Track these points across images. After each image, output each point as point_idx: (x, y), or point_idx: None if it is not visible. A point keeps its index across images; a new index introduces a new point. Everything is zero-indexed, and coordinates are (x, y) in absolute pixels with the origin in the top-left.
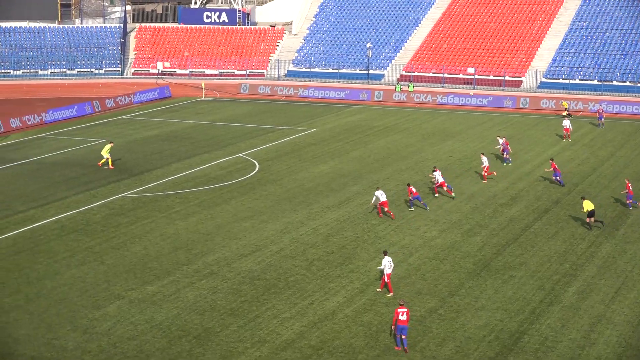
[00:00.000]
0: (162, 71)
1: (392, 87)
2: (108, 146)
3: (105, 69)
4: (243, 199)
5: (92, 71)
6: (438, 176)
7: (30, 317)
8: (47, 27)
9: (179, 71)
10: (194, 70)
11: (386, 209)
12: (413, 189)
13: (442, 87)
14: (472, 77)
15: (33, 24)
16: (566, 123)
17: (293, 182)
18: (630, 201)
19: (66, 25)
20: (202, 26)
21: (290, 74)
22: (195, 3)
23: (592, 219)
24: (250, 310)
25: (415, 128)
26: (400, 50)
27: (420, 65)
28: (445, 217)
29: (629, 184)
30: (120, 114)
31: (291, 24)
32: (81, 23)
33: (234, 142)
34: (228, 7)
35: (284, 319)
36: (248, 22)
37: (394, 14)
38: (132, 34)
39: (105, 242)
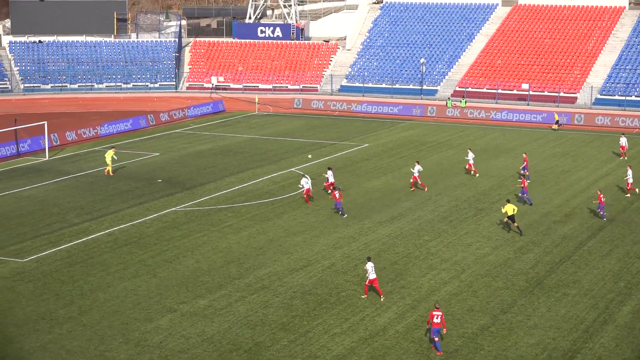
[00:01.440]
0: (216, 85)
1: (445, 103)
2: (111, 152)
3: (160, 83)
4: (295, 214)
5: (147, 85)
6: (330, 176)
7: (84, 329)
8: (103, 41)
9: (232, 85)
10: (247, 84)
11: (309, 195)
12: (337, 194)
13: (496, 102)
14: (527, 92)
15: (89, 38)
16: (623, 141)
17: (345, 197)
18: (601, 212)
19: (122, 40)
20: (256, 41)
21: (343, 89)
22: (250, 18)
23: (515, 223)
24: (301, 325)
25: (468, 144)
26: (454, 66)
27: (474, 81)
28: (498, 234)
29: (601, 195)
30: (174, 127)
31: (345, 39)
32: (137, 37)
33: (286, 157)
34: (282, 22)
35: (334, 334)
36: (302, 37)
37: (448, 30)
38: (187, 49)
39: (158, 255)
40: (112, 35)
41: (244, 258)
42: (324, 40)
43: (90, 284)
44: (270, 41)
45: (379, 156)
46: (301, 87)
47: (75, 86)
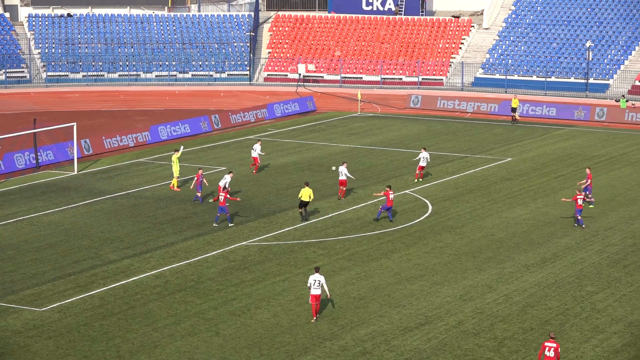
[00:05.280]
0: (304, 76)
1: (618, 103)
2: (178, 155)
3: (228, 73)
4: (409, 252)
5: (212, 75)
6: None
7: None
8: (153, 15)
9: (327, 76)
10: (347, 75)
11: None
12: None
13: None
14: None
15: (135, 11)
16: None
17: (479, 231)
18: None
19: (178, 14)
20: (359, 16)
21: (478, 83)
22: None
23: (302, 210)
24: None
25: None
26: (633, 52)
27: None
28: None
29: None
30: (248, 133)
31: (481, 13)
32: (199, 10)
33: (398, 174)
34: None
35: None
36: (423, 11)
37: (626, 1)
38: (266, 26)
39: (222, 305)
40: (166, 8)
41: (339, 311)
42: (453, 16)
43: (130, 342)
44: (379, 16)
45: (527, 175)
46: (420, 80)
47: (115, 76)
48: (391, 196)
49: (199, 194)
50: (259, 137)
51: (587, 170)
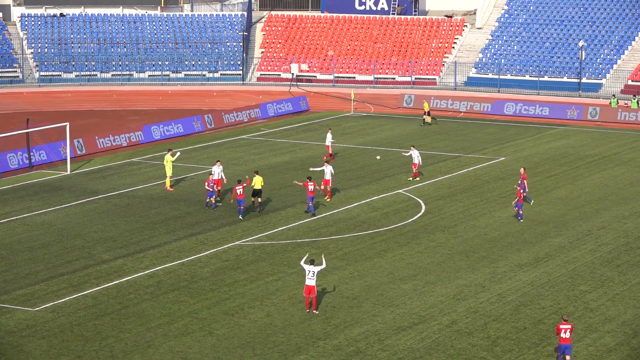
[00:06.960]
0: (297, 76)
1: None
2: (169, 157)
3: (221, 73)
4: (402, 252)
5: (204, 75)
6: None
7: None
8: (146, 15)
9: (320, 76)
10: (340, 75)
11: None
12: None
13: None
14: None
15: (128, 11)
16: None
17: (472, 230)
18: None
19: (171, 13)
20: (352, 15)
21: (471, 82)
22: None
23: (258, 198)
24: None
25: None
26: (625, 51)
27: None
28: None
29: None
30: (241, 132)
31: (474, 13)
32: (191, 10)
33: (391, 174)
34: None
35: None
36: (415, 11)
37: (619, 0)
38: (259, 26)
39: (216, 305)
40: (159, 7)
41: (332, 311)
42: (446, 15)
43: (123, 342)
44: (371, 16)
45: (520, 175)
46: (413, 79)
47: (108, 75)
48: (310, 187)
49: (211, 200)
50: (252, 137)
51: (521, 170)
